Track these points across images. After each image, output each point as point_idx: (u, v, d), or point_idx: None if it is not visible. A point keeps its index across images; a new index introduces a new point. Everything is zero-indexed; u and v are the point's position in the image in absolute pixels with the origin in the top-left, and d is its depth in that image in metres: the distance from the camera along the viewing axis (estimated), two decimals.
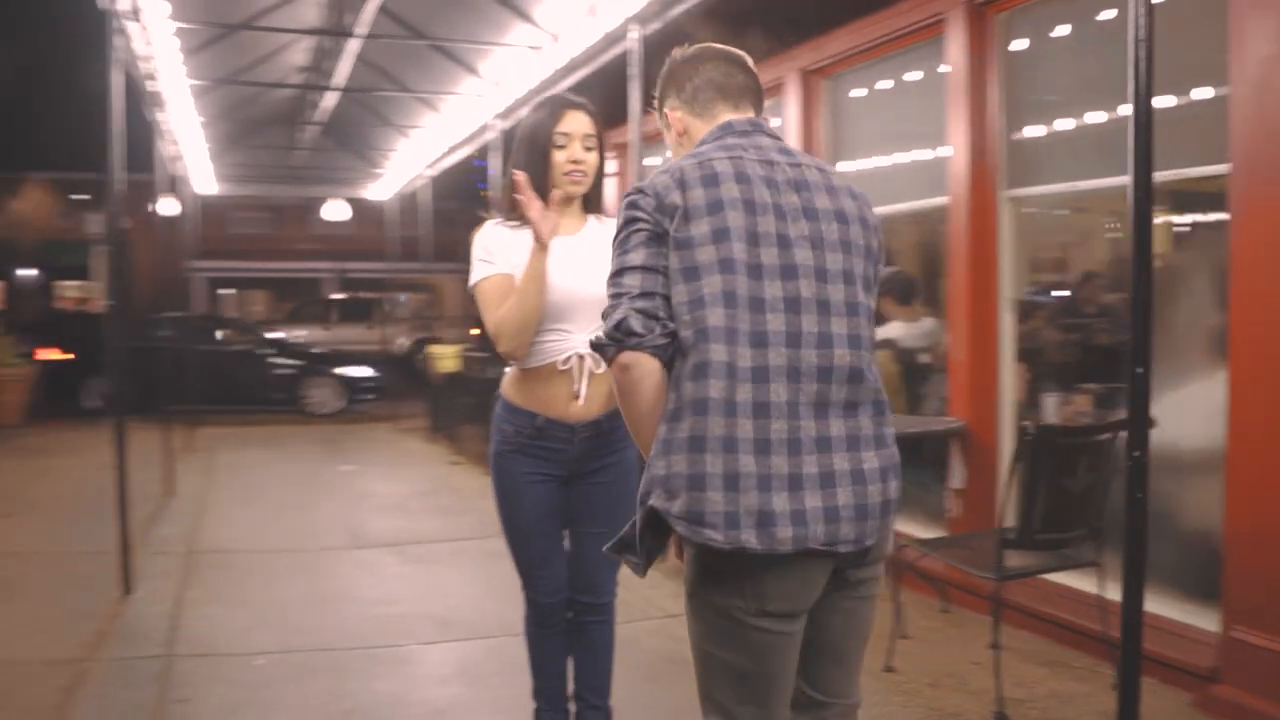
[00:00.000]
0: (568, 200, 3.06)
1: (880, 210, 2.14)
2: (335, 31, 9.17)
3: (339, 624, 4.97)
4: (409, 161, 13.49)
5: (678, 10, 6.01)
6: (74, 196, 25.96)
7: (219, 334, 14.58)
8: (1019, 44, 5.03)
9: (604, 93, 7.05)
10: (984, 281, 5.07)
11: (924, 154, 5.76)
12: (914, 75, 5.75)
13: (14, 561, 6.05)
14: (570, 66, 7.63)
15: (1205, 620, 4.00)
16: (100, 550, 5.57)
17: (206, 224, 35.12)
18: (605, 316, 2.07)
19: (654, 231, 2.07)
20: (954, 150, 5.17)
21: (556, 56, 7.66)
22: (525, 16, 7.63)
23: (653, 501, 2.03)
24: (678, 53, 2.37)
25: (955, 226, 5.19)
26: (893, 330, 6.41)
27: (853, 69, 6.21)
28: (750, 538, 1.96)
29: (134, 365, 12.07)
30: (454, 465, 10.28)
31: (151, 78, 7.85)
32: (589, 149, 3.06)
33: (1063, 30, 4.88)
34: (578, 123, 3.06)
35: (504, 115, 9.26)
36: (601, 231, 3.10)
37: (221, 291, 30.52)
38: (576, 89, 7.78)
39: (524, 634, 3.26)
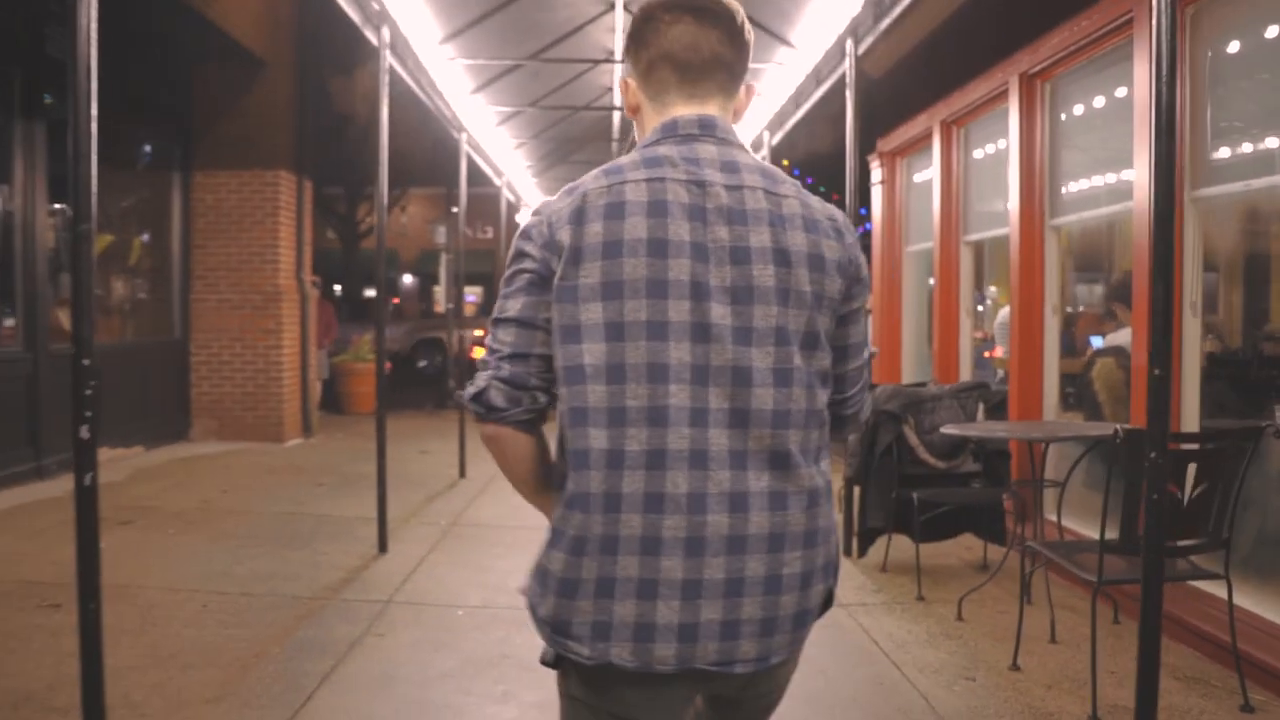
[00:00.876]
0: None
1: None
2: (608, 60, 9.86)
3: None
4: None
5: (889, 20, 6.13)
6: (455, 210, 28.81)
7: None
8: (1209, 43, 4.84)
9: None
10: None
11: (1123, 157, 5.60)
12: (1117, 77, 5.61)
13: (309, 521, 7.15)
14: (816, 77, 7.89)
15: None
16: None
17: None
18: (474, 376, 1.79)
19: (539, 274, 1.70)
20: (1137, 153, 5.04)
21: (796, 71, 7.96)
22: (774, 34, 7.95)
23: (522, 589, 1.86)
24: None
25: (1139, 231, 5.05)
26: (1122, 337, 6.25)
27: (1068, 71, 6.11)
28: (623, 653, 1.67)
29: None
30: None
31: (447, 105, 8.91)
32: None
33: (1260, 31, 4.66)
34: None
35: (770, 127, 9.63)
36: None
37: None
38: (821, 102, 8.04)
39: None
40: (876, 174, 9.79)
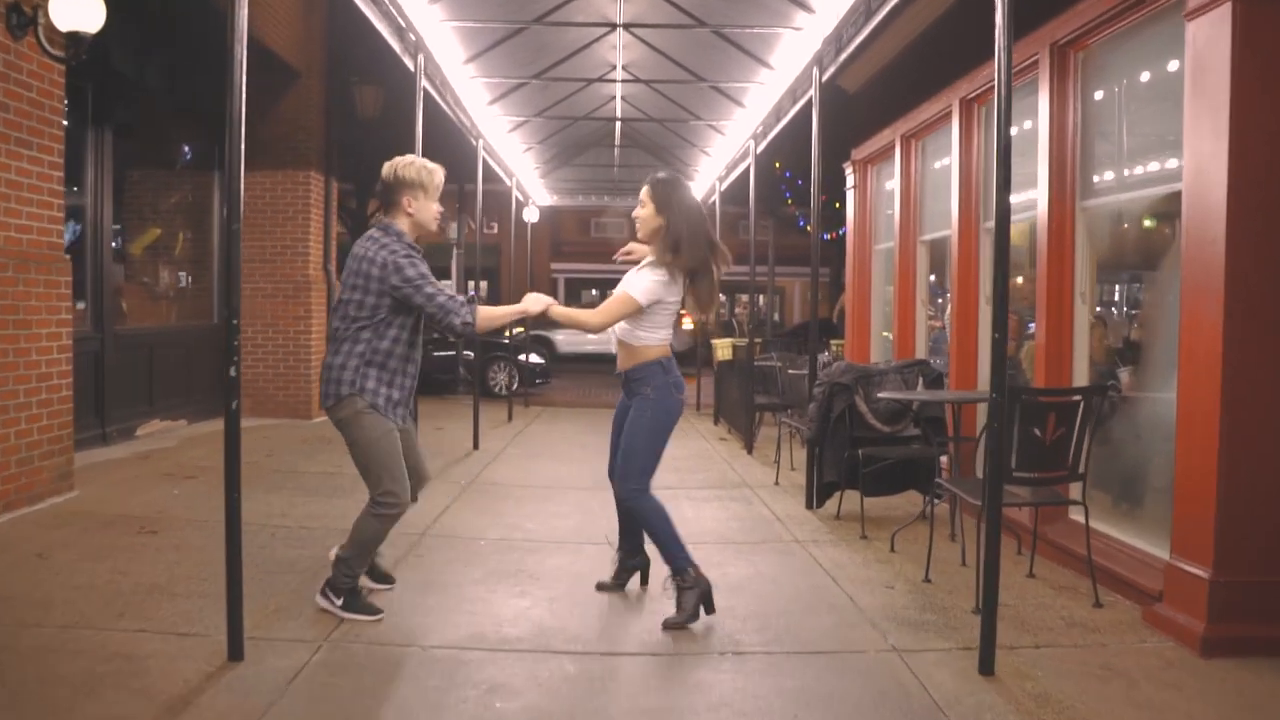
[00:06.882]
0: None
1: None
2: (605, 79, 10.96)
3: (550, 528, 6.70)
4: (708, 174, 15.17)
5: (845, 55, 7.20)
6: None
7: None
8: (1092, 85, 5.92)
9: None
10: (1061, 279, 6.04)
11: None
12: (1030, 107, 6.67)
13: (347, 479, 8.21)
14: (792, 95, 8.99)
15: (1162, 550, 4.89)
16: None
17: (567, 230, 38.93)
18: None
19: None
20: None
21: (775, 90, 9.08)
22: (756, 57, 9.04)
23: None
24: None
25: (1040, 238, 6.16)
26: None
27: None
28: None
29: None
30: (722, 441, 11.86)
31: (467, 116, 10.02)
32: (642, 206, 4.86)
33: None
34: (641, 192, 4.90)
35: (755, 138, 10.74)
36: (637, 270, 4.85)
37: (591, 293, 34.20)
38: (806, 115, 9.10)
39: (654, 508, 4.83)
40: (850, 179, 10.89)
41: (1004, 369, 3.93)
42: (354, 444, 4.64)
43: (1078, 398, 4.83)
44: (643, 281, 4.76)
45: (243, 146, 3.91)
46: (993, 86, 7.02)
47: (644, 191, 4.84)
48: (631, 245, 5.09)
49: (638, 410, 4.85)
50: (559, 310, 4.79)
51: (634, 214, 4.92)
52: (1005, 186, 3.88)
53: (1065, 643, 4.46)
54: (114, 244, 10.20)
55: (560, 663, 4.18)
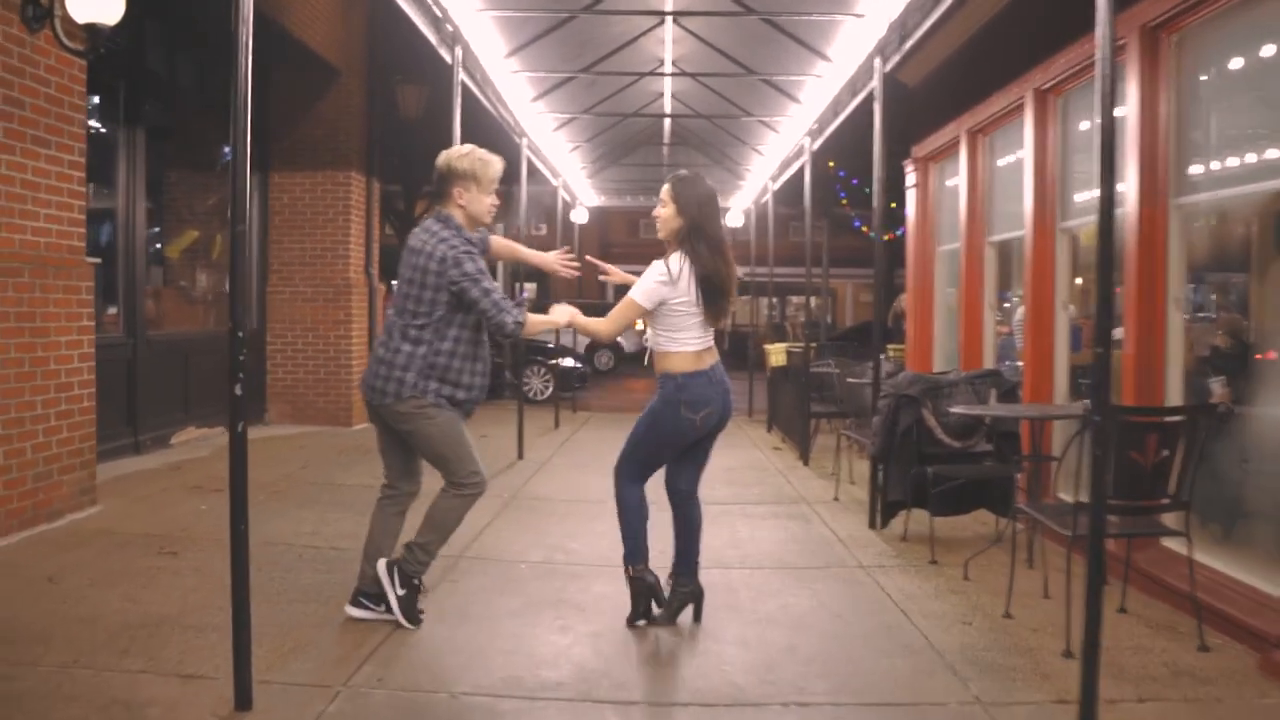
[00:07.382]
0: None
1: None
2: (654, 73, 10.53)
3: (594, 549, 6.26)
4: (760, 173, 14.69)
5: (910, 43, 6.71)
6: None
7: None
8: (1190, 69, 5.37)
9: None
10: (1152, 284, 5.51)
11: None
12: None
13: None
14: (851, 88, 8.50)
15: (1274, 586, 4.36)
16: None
17: (616, 230, 38.56)
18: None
19: None
20: None
21: (833, 83, 8.59)
22: (813, 49, 8.57)
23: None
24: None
25: (1129, 237, 5.63)
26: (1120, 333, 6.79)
27: (1076, 88, 6.66)
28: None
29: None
30: (776, 450, 11.37)
31: (510, 113, 9.62)
32: (663, 206, 4.75)
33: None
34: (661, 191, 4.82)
35: (810, 134, 10.25)
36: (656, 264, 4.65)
37: None
38: (864, 110, 8.58)
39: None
40: (910, 178, 10.37)
41: (1108, 386, 3.43)
42: (424, 436, 4.64)
43: (1183, 417, 4.32)
44: (644, 283, 4.70)
45: (249, 138, 3.53)
46: (1071, 76, 6.57)
47: (665, 190, 4.77)
48: (609, 267, 5.41)
49: (648, 407, 4.86)
50: (580, 320, 4.85)
51: (654, 213, 4.89)
52: (1110, 175, 3.38)
53: (1173, 695, 3.96)
54: (151, 247, 9.94)
55: (603, 715, 3.75)
